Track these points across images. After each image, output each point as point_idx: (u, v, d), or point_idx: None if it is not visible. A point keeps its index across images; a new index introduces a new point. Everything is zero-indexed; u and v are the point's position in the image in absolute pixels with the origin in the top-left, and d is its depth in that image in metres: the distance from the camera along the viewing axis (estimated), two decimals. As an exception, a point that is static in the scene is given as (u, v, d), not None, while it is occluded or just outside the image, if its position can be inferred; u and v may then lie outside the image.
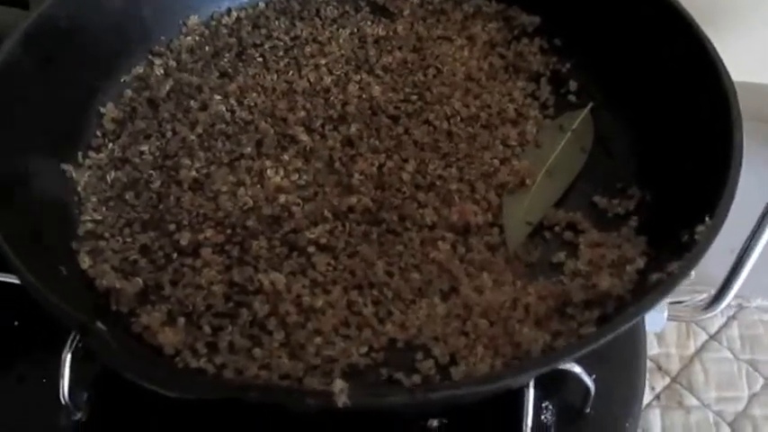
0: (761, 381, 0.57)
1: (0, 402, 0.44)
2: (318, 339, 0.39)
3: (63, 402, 0.41)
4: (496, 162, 0.48)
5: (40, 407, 0.43)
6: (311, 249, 0.43)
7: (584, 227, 0.45)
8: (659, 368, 0.58)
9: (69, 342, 0.41)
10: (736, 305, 0.56)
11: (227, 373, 0.37)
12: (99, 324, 0.33)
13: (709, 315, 0.50)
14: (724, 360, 0.58)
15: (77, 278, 0.41)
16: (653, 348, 0.58)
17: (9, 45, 0.44)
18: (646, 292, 0.35)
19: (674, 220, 0.40)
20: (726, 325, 0.60)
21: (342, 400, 0.30)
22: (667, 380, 0.58)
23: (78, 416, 0.42)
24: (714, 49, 0.44)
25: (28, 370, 0.45)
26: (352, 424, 0.40)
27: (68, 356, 0.41)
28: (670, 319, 0.52)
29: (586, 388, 0.41)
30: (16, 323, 0.47)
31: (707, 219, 0.36)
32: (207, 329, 0.39)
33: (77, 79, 0.49)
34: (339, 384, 0.30)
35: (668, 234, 0.40)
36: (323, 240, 0.44)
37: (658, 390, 0.57)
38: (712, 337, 0.60)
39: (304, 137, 0.49)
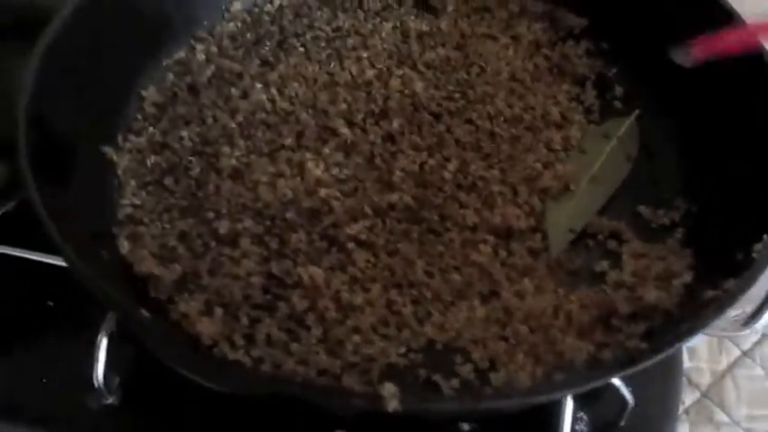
0: (794, 401, 0.56)
1: (32, 384, 0.44)
2: (357, 337, 0.39)
3: (96, 386, 0.41)
4: (539, 165, 0.48)
5: (72, 389, 0.43)
6: (351, 245, 0.43)
7: (627, 236, 0.44)
8: (690, 382, 0.57)
9: (105, 325, 0.41)
10: (771, 322, 0.54)
11: (264, 366, 0.37)
12: (143, 311, 0.32)
13: (745, 332, 0.49)
14: (756, 377, 0.57)
15: (117, 263, 0.40)
16: (684, 362, 0.57)
17: (56, 24, 0.44)
18: (699, 307, 0.34)
19: (724, 235, 0.39)
20: (759, 342, 0.59)
21: (393, 406, 0.29)
22: (697, 394, 0.57)
23: (110, 399, 0.43)
24: (772, 56, 0.43)
25: (60, 351, 0.45)
26: (383, 424, 0.39)
27: (104, 340, 0.41)
28: (704, 333, 0.51)
29: (624, 400, 0.41)
30: (50, 303, 0.47)
31: (765, 237, 0.35)
32: (244, 321, 0.39)
33: (121, 60, 0.49)
34: (389, 389, 0.30)
35: (717, 249, 0.39)
36: (363, 237, 0.43)
37: (688, 404, 0.56)
38: (745, 354, 0.59)
39: (345, 130, 0.49)
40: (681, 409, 0.56)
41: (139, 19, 0.50)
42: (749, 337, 0.59)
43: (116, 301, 0.33)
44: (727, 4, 0.49)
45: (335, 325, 0.39)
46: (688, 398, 0.56)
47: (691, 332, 0.32)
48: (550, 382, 0.32)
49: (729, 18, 0.48)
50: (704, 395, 0.57)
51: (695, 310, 0.34)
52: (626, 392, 0.40)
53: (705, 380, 0.57)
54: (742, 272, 0.34)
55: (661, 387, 0.43)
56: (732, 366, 0.58)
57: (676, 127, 0.50)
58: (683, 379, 0.55)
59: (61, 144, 0.42)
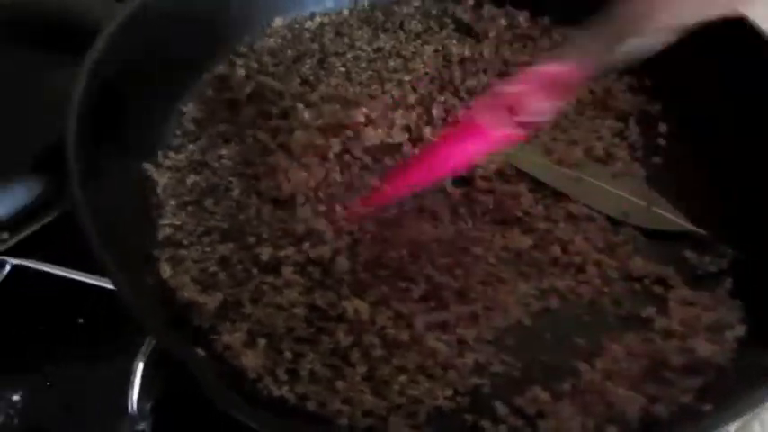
0: (820, 446, 0.56)
1: (62, 406, 0.43)
2: (403, 377, 0.38)
3: (130, 412, 0.40)
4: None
5: (103, 414, 0.42)
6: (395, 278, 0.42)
7: (674, 282, 0.43)
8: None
9: (143, 349, 0.40)
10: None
11: (309, 404, 0.36)
12: (199, 351, 0.31)
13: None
14: (783, 422, 0.57)
15: (159, 288, 0.40)
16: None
17: (102, 40, 0.43)
18: (764, 373, 0.33)
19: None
20: (787, 385, 0.58)
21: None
22: (725, 437, 0.56)
23: (142, 426, 0.42)
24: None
25: (92, 373, 0.44)
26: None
27: (140, 365, 0.40)
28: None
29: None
30: (80, 320, 0.46)
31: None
32: (288, 354, 0.38)
33: (162, 75, 0.48)
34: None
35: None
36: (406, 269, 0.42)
37: (715, 447, 0.55)
38: (772, 397, 0.58)
39: (387, 158, 0.48)
40: (708, 451, 0.55)
41: (181, 33, 0.49)
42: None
43: (170, 341, 0.32)
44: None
45: (381, 363, 0.38)
46: (715, 440, 0.56)
47: (761, 401, 0.31)
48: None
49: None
50: (731, 438, 0.56)
51: (758, 373, 0.33)
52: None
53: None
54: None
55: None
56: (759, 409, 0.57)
57: (722, 168, 0.49)
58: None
59: (104, 162, 0.41)
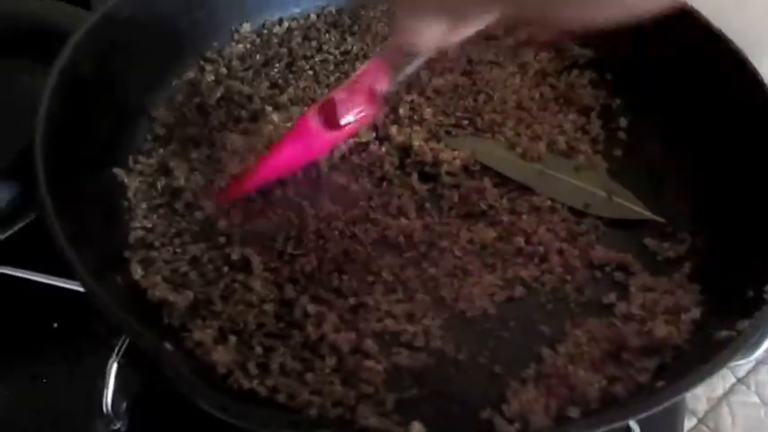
0: (787, 429, 0.58)
1: (38, 409, 0.43)
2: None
3: (105, 412, 0.41)
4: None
5: (78, 415, 0.43)
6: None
7: (634, 269, 0.45)
8: (687, 408, 0.58)
9: (117, 350, 0.40)
10: (766, 350, 0.56)
11: (279, 397, 0.37)
12: (167, 345, 0.32)
13: (742, 362, 0.50)
14: (751, 404, 0.58)
15: (131, 289, 0.40)
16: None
17: (70, 46, 0.44)
18: (714, 348, 0.35)
19: (733, 271, 0.40)
20: (754, 369, 0.60)
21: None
22: (694, 421, 0.58)
23: (118, 426, 0.42)
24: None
25: (66, 376, 0.45)
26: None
27: (114, 365, 0.41)
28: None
29: (627, 428, 0.41)
30: (55, 325, 0.47)
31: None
32: (258, 349, 0.39)
33: (132, 81, 0.49)
34: (417, 428, 0.30)
35: (725, 285, 0.40)
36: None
37: (685, 430, 0.57)
38: (740, 381, 0.60)
39: (354, 156, 0.49)
40: (678, 435, 0.56)
41: (150, 39, 0.50)
42: (744, 364, 0.60)
43: (139, 334, 0.33)
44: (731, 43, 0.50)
45: (350, 355, 0.39)
46: (685, 424, 0.57)
47: (709, 373, 0.32)
48: (568, 425, 0.32)
49: (731, 53, 0.49)
50: (701, 421, 0.57)
51: (710, 349, 0.35)
52: (633, 424, 0.40)
53: (701, 406, 0.58)
54: (754, 312, 0.35)
55: (665, 416, 0.44)
56: (728, 393, 0.59)
57: (683, 158, 0.50)
58: (681, 406, 0.55)
59: (74, 166, 0.42)
